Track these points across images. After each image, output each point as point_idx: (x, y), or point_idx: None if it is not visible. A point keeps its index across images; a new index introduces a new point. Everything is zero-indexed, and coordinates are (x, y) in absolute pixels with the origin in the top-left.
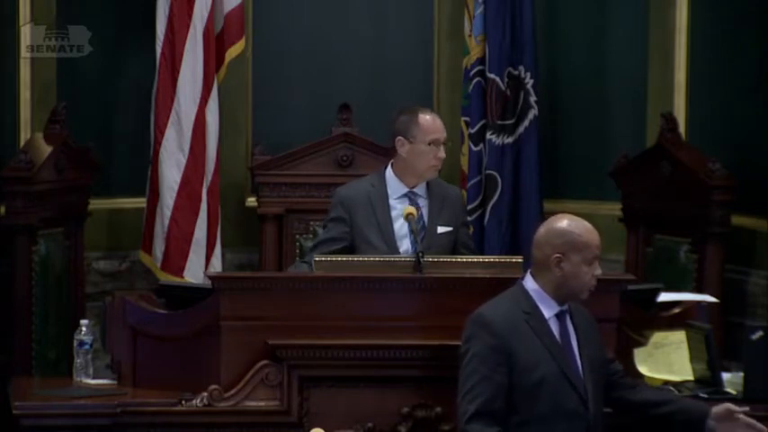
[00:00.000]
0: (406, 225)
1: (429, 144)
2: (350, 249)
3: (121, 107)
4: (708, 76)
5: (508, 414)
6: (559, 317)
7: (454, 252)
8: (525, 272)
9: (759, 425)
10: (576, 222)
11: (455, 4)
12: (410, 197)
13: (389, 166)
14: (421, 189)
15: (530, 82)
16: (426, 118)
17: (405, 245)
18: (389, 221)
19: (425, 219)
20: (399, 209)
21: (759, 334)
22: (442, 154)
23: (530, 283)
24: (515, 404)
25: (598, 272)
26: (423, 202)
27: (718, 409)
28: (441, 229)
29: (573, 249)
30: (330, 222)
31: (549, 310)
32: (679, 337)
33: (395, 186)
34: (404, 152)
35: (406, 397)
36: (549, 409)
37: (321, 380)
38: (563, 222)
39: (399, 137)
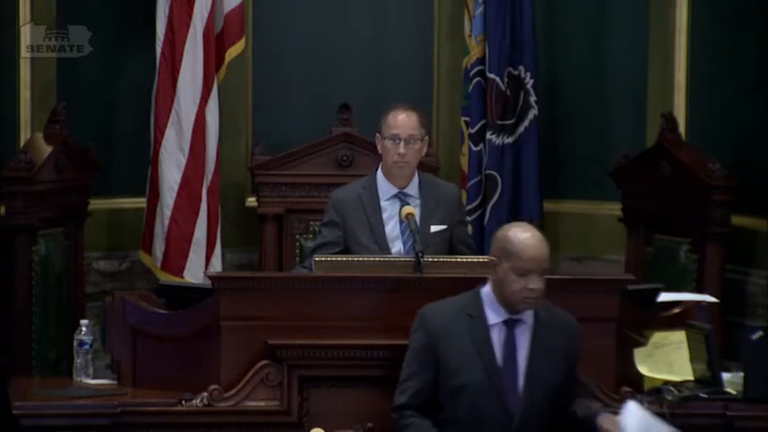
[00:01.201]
0: (398, 226)
1: (390, 139)
2: (345, 252)
3: (121, 107)
4: (708, 76)
5: (436, 410)
6: (508, 324)
7: (452, 250)
8: None
9: None
10: (522, 232)
11: (455, 4)
12: (400, 198)
13: (380, 168)
14: (412, 189)
15: (530, 82)
16: (393, 114)
17: (396, 246)
18: (380, 223)
19: (418, 219)
20: (390, 210)
21: (759, 334)
22: (402, 150)
23: (486, 286)
24: (440, 403)
25: (533, 285)
26: (414, 203)
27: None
28: (434, 228)
29: (505, 256)
30: (324, 227)
31: (496, 317)
32: (679, 337)
33: (384, 188)
34: (379, 149)
35: None
36: (469, 416)
37: (321, 380)
38: (511, 229)
39: (377, 134)
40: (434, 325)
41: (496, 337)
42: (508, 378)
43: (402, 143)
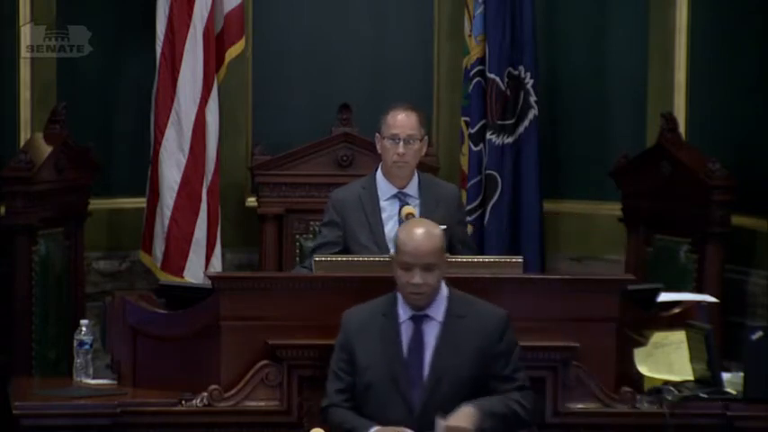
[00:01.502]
0: (397, 226)
1: (390, 138)
2: (344, 252)
3: (121, 107)
4: (708, 76)
5: (357, 410)
6: (416, 321)
7: (451, 250)
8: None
9: None
10: (412, 227)
11: (455, 4)
12: (400, 198)
13: (379, 168)
14: (412, 189)
15: (530, 82)
16: (393, 113)
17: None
18: (380, 223)
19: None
20: (390, 210)
21: (759, 334)
22: (401, 150)
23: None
24: (358, 401)
25: (414, 280)
26: (414, 203)
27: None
28: None
29: (396, 251)
30: (324, 227)
31: (404, 313)
32: (679, 337)
33: (384, 188)
34: (378, 149)
35: None
36: (375, 414)
37: (321, 380)
38: (405, 224)
39: (377, 134)
40: (351, 326)
41: (405, 334)
42: (413, 372)
43: (401, 143)
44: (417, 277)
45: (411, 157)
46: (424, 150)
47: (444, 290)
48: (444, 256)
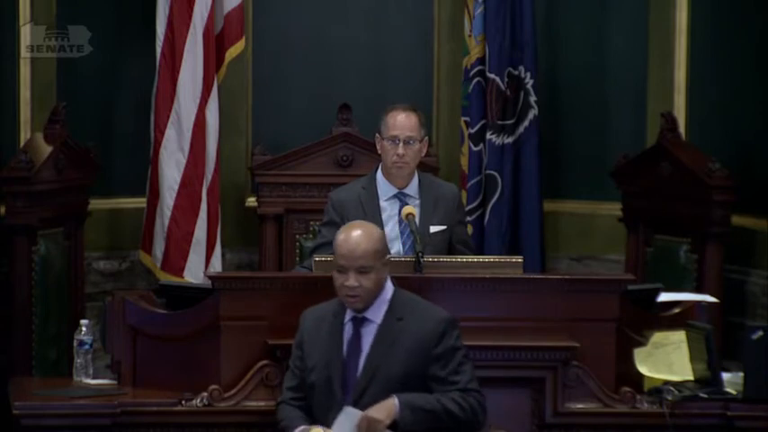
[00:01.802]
0: (398, 227)
1: (389, 140)
2: None
3: (121, 107)
4: (708, 76)
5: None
6: (355, 323)
7: (451, 250)
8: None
9: None
10: (350, 229)
11: (455, 4)
12: (400, 198)
13: (379, 168)
14: (412, 189)
15: (530, 82)
16: (393, 114)
17: (396, 246)
18: (380, 223)
19: (417, 219)
20: (390, 210)
21: (759, 334)
22: (401, 151)
23: None
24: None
25: (348, 283)
26: (414, 203)
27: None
28: (433, 229)
29: (334, 252)
30: (324, 227)
31: (347, 314)
32: (679, 337)
33: (384, 188)
34: (378, 149)
35: None
36: (318, 414)
37: None
38: (345, 225)
39: (377, 134)
40: (306, 325)
41: (346, 336)
42: (349, 374)
43: (401, 144)
44: (351, 279)
45: (411, 158)
46: (425, 151)
47: (389, 291)
48: (384, 259)
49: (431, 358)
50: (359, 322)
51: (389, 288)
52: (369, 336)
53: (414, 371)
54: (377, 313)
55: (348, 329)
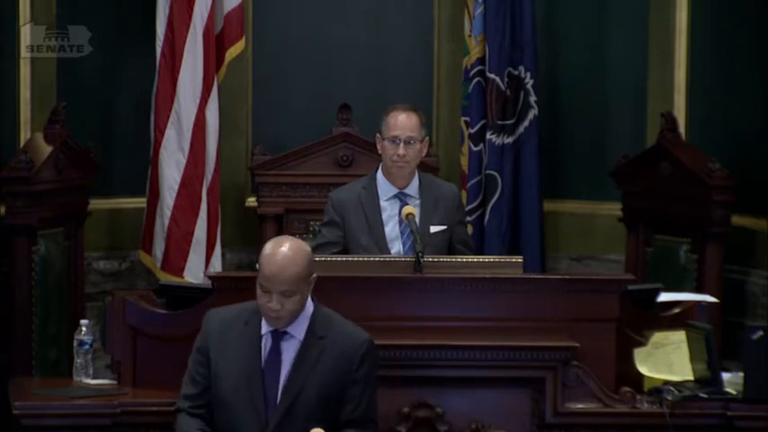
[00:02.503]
0: (398, 227)
1: (390, 140)
2: (344, 253)
3: (121, 107)
4: (708, 76)
5: (211, 417)
6: (275, 336)
7: (450, 250)
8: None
9: None
10: (273, 248)
11: (455, 4)
12: (400, 198)
13: (380, 168)
14: (412, 189)
15: (530, 82)
16: (393, 114)
17: (396, 246)
18: (380, 224)
19: (417, 219)
20: (390, 210)
21: (759, 334)
22: (401, 151)
23: None
24: (214, 411)
25: (270, 305)
26: (414, 203)
27: None
28: (433, 229)
29: (259, 266)
30: (324, 227)
31: (265, 326)
32: (679, 337)
33: (384, 188)
34: (379, 149)
35: (406, 397)
36: (228, 427)
37: None
38: (271, 241)
39: (377, 134)
40: (210, 329)
41: (264, 347)
42: (268, 390)
43: (402, 144)
44: (275, 302)
45: (411, 158)
46: (425, 151)
47: (310, 307)
48: (309, 279)
49: (349, 380)
50: (279, 336)
51: (310, 304)
52: (290, 352)
53: (333, 391)
54: (298, 329)
55: (266, 342)
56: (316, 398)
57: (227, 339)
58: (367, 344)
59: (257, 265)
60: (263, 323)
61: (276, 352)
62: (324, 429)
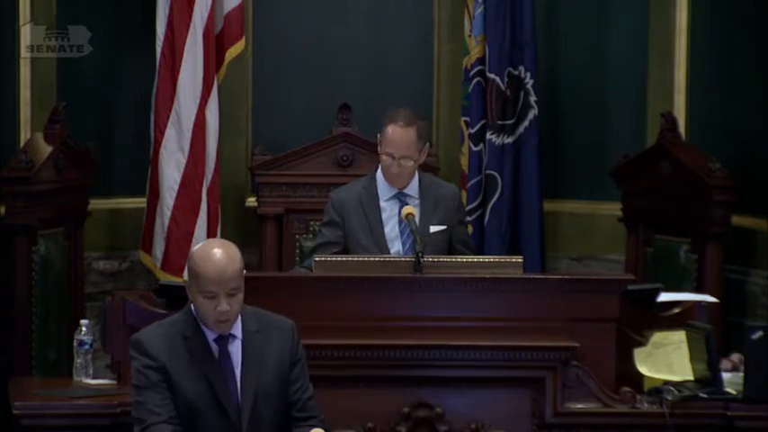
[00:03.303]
0: (398, 227)
1: (386, 153)
2: (344, 253)
3: (121, 107)
4: (708, 76)
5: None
6: (220, 341)
7: (450, 250)
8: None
9: None
10: (205, 251)
11: (455, 4)
12: (400, 198)
13: (379, 168)
14: (412, 190)
15: (530, 82)
16: (392, 127)
17: (395, 246)
18: (380, 223)
19: (417, 219)
20: (390, 211)
21: (759, 334)
22: (395, 170)
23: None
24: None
25: (221, 308)
26: (414, 203)
27: None
28: (433, 229)
29: (191, 277)
30: (324, 227)
31: (210, 334)
32: (679, 337)
33: (384, 188)
34: (379, 150)
35: (406, 397)
36: None
37: (321, 380)
38: (199, 247)
39: (378, 135)
40: (155, 347)
41: (215, 355)
42: (230, 394)
43: (396, 161)
44: (224, 304)
45: (406, 172)
46: (423, 159)
47: None
48: (243, 275)
49: (292, 362)
50: (224, 340)
51: None
52: (236, 352)
53: (285, 379)
54: (236, 328)
55: (214, 348)
56: (273, 388)
57: (174, 354)
58: (294, 326)
59: (185, 275)
60: (205, 331)
61: (226, 356)
62: (284, 421)
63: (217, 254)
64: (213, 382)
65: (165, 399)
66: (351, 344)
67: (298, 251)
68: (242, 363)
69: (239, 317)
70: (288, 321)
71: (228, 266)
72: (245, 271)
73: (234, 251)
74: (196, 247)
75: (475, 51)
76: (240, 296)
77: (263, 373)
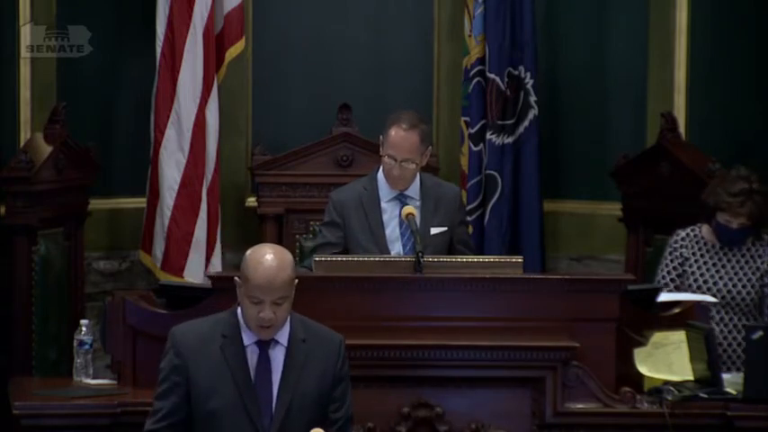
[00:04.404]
0: (398, 228)
1: (388, 156)
2: (344, 253)
3: (121, 107)
4: (708, 76)
5: None
6: (261, 345)
7: (450, 250)
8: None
9: None
10: (258, 257)
11: (455, 4)
12: (401, 200)
13: (380, 168)
14: (413, 191)
15: (530, 82)
16: (395, 129)
17: (396, 247)
18: (381, 224)
19: (418, 220)
20: (390, 211)
21: (759, 334)
22: (396, 171)
23: (239, 306)
24: (195, 429)
25: (263, 315)
26: (415, 204)
27: None
28: (434, 231)
29: (242, 279)
30: (324, 227)
31: (248, 338)
32: (679, 337)
33: (385, 189)
34: (381, 151)
35: (406, 397)
36: None
37: None
38: (253, 251)
39: (381, 136)
40: (185, 345)
41: (251, 358)
42: (262, 399)
43: (398, 164)
44: (268, 311)
45: (408, 174)
46: (425, 161)
47: None
48: (294, 282)
49: (336, 379)
50: (265, 345)
51: None
52: (278, 359)
53: (324, 393)
54: (283, 335)
55: (252, 351)
56: (311, 400)
57: (205, 355)
58: (343, 343)
59: (237, 279)
60: (245, 334)
61: (265, 361)
62: (322, 429)
63: (268, 260)
64: (243, 387)
65: (176, 401)
66: (351, 344)
67: (298, 251)
68: (283, 370)
69: (288, 324)
70: (337, 335)
71: (279, 275)
72: (296, 280)
73: (286, 259)
74: (250, 249)
75: (475, 51)
76: (287, 305)
77: (303, 383)
